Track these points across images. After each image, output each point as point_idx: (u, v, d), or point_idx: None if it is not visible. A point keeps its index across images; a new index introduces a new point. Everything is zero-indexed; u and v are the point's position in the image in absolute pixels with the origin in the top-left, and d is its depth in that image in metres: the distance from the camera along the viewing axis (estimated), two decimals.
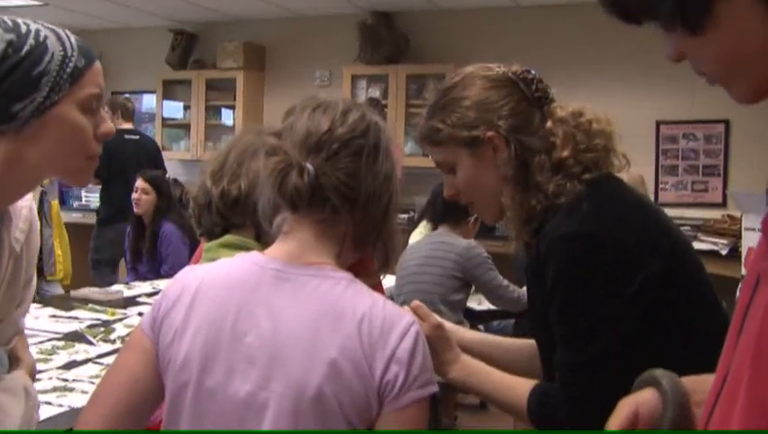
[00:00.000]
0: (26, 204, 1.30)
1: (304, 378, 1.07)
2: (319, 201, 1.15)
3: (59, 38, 1.16)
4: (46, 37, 1.14)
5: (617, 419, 0.93)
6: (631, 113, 6.08)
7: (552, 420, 1.34)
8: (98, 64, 1.21)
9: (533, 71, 1.46)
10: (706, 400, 0.76)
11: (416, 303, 1.44)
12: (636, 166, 5.52)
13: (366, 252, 1.25)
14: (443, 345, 1.43)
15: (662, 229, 1.35)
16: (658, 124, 6.02)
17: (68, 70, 1.14)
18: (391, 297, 4.03)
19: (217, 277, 1.19)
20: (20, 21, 1.16)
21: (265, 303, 1.13)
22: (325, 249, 1.18)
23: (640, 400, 0.94)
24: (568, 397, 1.29)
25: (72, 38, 1.19)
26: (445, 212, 3.78)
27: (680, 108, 5.91)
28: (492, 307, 4.00)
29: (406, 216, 6.53)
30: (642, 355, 1.16)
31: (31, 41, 1.12)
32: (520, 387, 1.38)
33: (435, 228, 3.92)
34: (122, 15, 7.37)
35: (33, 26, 1.15)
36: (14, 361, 1.32)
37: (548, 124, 1.39)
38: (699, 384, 0.91)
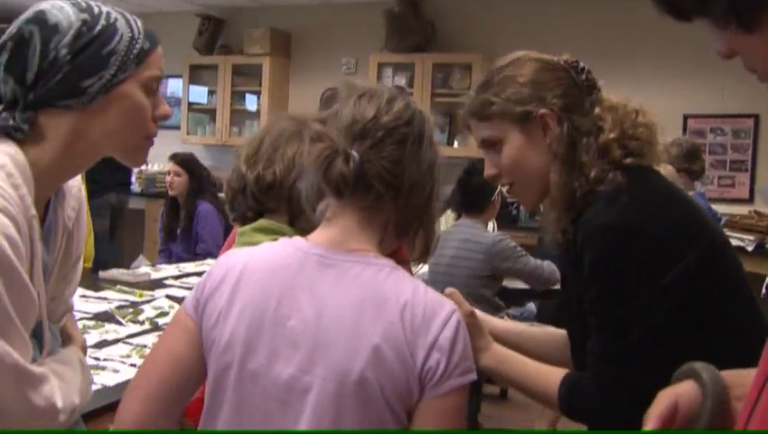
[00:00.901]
0: (76, 184, 1.33)
1: (348, 362, 1.08)
2: (363, 188, 1.16)
3: (127, 21, 1.22)
4: (116, 19, 1.20)
5: (657, 409, 0.93)
6: (658, 106, 5.96)
7: (583, 410, 1.35)
8: (159, 48, 1.26)
9: (581, 63, 1.47)
10: (746, 395, 0.76)
11: (450, 290, 1.46)
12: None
13: (404, 240, 1.26)
14: (475, 333, 1.44)
15: (700, 223, 1.36)
16: (685, 118, 5.97)
17: (134, 51, 1.20)
18: None
19: (260, 260, 1.20)
20: (92, 2, 1.21)
21: (308, 287, 1.14)
22: (368, 235, 1.19)
23: (679, 392, 0.94)
24: (601, 387, 1.30)
25: (138, 22, 1.24)
26: (469, 204, 3.79)
27: (709, 101, 5.86)
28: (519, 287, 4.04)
29: None
30: (676, 347, 1.16)
31: (102, 21, 1.18)
32: (552, 376, 1.39)
33: (458, 216, 3.93)
34: (150, 0, 7.41)
35: (105, 8, 1.21)
36: (65, 338, 1.35)
37: (597, 110, 1.40)
38: (739, 378, 0.91)
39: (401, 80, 6.63)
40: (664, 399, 0.94)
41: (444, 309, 1.12)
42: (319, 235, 1.22)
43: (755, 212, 5.40)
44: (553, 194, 1.39)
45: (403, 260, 1.28)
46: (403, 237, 1.24)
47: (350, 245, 1.18)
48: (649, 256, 1.27)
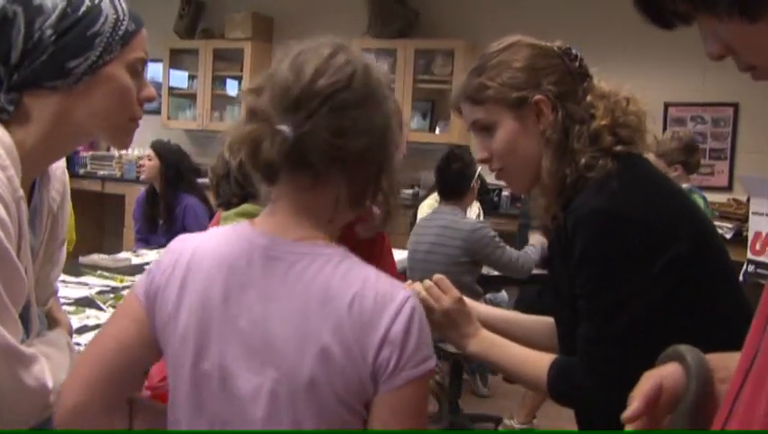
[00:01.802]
0: (61, 166, 1.32)
1: (297, 365, 1.04)
2: (303, 166, 1.07)
3: (111, 2, 1.20)
4: (101, 0, 1.18)
5: (642, 389, 0.94)
6: (639, 94, 6.06)
7: (572, 394, 1.36)
8: (144, 30, 1.25)
9: (574, 50, 1.48)
10: (731, 378, 0.77)
11: (438, 276, 1.46)
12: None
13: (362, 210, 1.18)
14: (463, 319, 1.45)
15: (689, 210, 1.37)
16: (666, 106, 6.00)
17: (119, 32, 1.19)
18: (404, 272, 4.08)
19: (207, 252, 1.13)
20: None
21: (256, 285, 1.08)
22: (317, 217, 1.11)
23: (664, 373, 0.95)
24: (590, 370, 1.31)
25: (123, 3, 1.22)
26: (448, 190, 3.80)
27: (690, 90, 5.89)
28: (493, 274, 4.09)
29: (410, 191, 6.55)
30: (664, 333, 1.17)
31: (87, 2, 1.17)
32: (540, 361, 1.40)
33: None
34: None
35: None
36: (51, 321, 1.34)
37: (589, 97, 1.41)
38: (723, 361, 0.92)
39: (383, 66, 6.59)
40: (649, 379, 0.95)
41: (395, 300, 1.05)
42: (266, 221, 1.14)
43: (734, 199, 5.46)
44: (544, 181, 1.39)
45: (367, 228, 1.21)
46: (360, 208, 1.15)
47: (297, 232, 1.10)
48: (639, 242, 1.28)
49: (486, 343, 1.45)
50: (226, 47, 7.27)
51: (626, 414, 0.92)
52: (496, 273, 4.07)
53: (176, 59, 7.60)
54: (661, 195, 1.36)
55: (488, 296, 4.67)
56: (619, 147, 1.36)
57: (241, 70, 7.21)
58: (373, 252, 2.07)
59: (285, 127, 1.05)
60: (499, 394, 4.56)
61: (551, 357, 1.39)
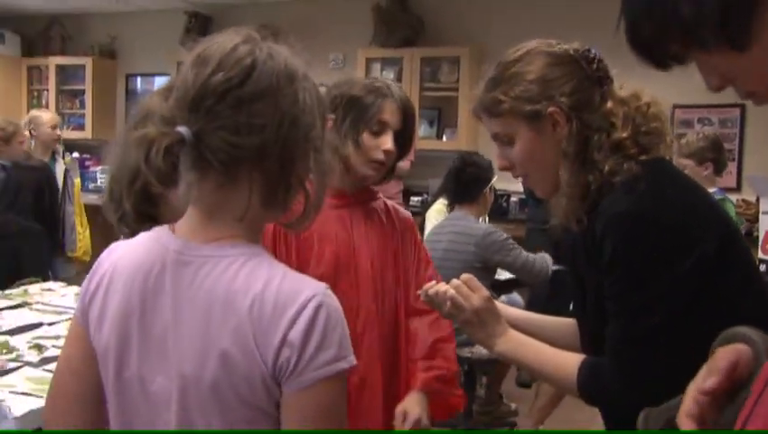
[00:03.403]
0: None
1: (200, 370, 1.03)
2: (207, 165, 1.04)
3: None
4: None
5: (720, 364, 0.85)
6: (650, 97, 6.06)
7: (601, 394, 1.36)
8: None
9: (593, 50, 1.47)
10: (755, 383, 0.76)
11: (466, 276, 1.48)
12: None
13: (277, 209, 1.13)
14: (492, 318, 1.46)
15: (714, 211, 1.38)
16: (674, 108, 6.00)
17: None
18: None
19: (128, 260, 1.12)
20: None
21: (168, 291, 1.07)
22: (229, 217, 1.07)
23: (741, 349, 0.87)
24: (618, 371, 1.31)
25: None
26: (461, 193, 3.81)
27: (696, 92, 5.86)
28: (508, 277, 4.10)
29: (419, 198, 6.56)
30: (690, 334, 1.17)
31: None
32: (569, 360, 1.40)
33: (451, 208, 3.95)
34: None
35: None
36: None
37: (609, 104, 1.39)
38: None
39: (390, 75, 6.63)
40: (726, 356, 0.87)
41: (296, 300, 1.01)
42: (182, 223, 1.12)
43: (743, 200, 5.44)
44: (565, 191, 1.38)
45: (296, 219, 1.14)
46: (274, 205, 1.09)
47: (209, 233, 1.07)
48: (667, 243, 1.28)
49: (514, 342, 1.45)
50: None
51: (707, 385, 0.83)
52: (508, 276, 4.08)
53: None
54: (687, 197, 1.35)
55: (502, 298, 4.68)
56: (643, 157, 1.35)
57: None
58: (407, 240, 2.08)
59: (183, 129, 1.03)
60: (514, 399, 4.56)
61: (580, 357, 1.39)
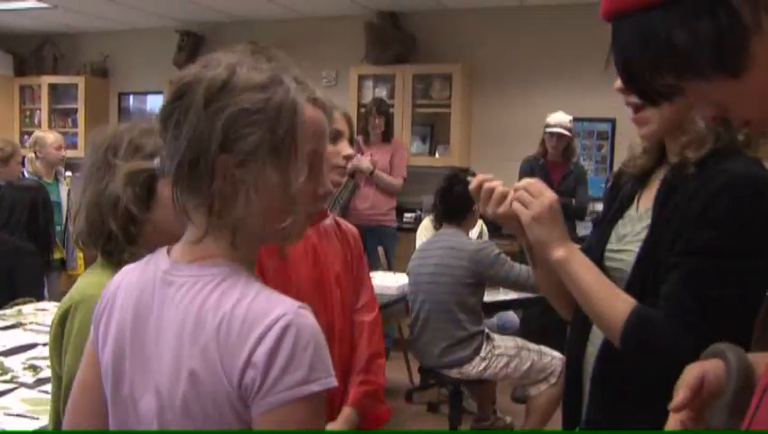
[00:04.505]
0: None
1: (173, 389, 1.03)
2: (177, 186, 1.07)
3: None
4: None
5: (686, 381, 0.95)
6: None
7: (648, 345, 1.31)
8: None
9: None
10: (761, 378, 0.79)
11: (527, 181, 1.44)
12: None
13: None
14: (562, 219, 1.40)
15: None
16: None
17: None
18: (404, 295, 4.10)
19: (128, 281, 1.15)
20: None
21: (154, 311, 1.08)
22: (196, 234, 1.07)
23: (707, 367, 0.97)
24: (684, 328, 1.25)
25: None
26: (450, 213, 3.83)
27: None
28: (502, 298, 4.12)
29: (412, 215, 6.58)
30: (748, 318, 1.15)
31: None
32: (622, 298, 1.32)
33: (439, 226, 3.98)
34: (129, 17, 7.41)
35: None
36: None
37: None
38: (764, 358, 0.94)
39: (382, 92, 6.67)
40: (693, 371, 0.96)
41: (264, 321, 0.99)
42: (177, 244, 1.13)
43: None
44: (701, 133, 1.33)
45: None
46: (229, 227, 1.06)
47: (194, 253, 1.08)
48: None
49: (577, 254, 1.39)
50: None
51: (673, 404, 0.94)
52: (501, 298, 4.09)
53: None
54: None
55: (494, 318, 4.69)
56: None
57: None
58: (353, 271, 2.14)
59: (157, 159, 1.09)
60: (509, 413, 4.55)
61: (633, 301, 1.32)
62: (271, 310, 1.00)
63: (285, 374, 0.97)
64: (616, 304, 1.32)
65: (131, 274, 1.16)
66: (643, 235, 1.42)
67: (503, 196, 1.51)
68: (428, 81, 6.66)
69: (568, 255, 1.38)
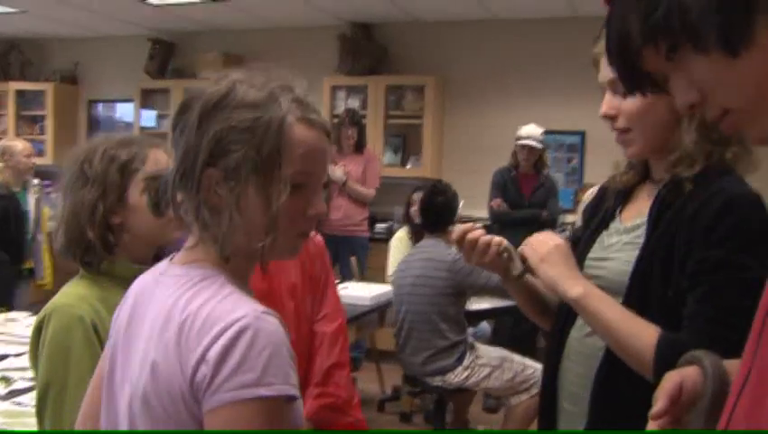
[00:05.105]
0: None
1: (138, 380, 1.07)
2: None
3: None
4: None
5: (664, 389, 0.99)
6: (607, 124, 6.19)
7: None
8: None
9: None
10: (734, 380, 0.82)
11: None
12: (605, 177, 5.55)
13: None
14: (572, 255, 1.42)
15: None
16: None
17: None
18: (385, 306, 4.13)
19: (137, 283, 1.21)
20: None
21: (144, 309, 1.14)
22: (191, 240, 1.14)
23: (684, 374, 1.00)
24: (713, 340, 1.22)
25: None
26: (433, 223, 3.86)
27: None
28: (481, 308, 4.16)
29: (385, 225, 6.60)
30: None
31: None
32: (649, 330, 1.31)
33: (413, 237, 3.99)
34: (100, 24, 7.36)
35: None
36: None
37: None
38: (734, 364, 0.97)
39: (355, 103, 6.70)
40: (671, 380, 1.00)
41: (223, 320, 1.00)
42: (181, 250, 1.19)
43: None
44: (690, 151, 1.37)
45: None
46: (215, 237, 1.08)
47: (187, 257, 1.13)
48: None
49: (594, 290, 1.38)
50: (198, 86, 7.27)
51: (652, 412, 0.97)
52: (476, 308, 4.12)
53: (148, 99, 7.63)
54: None
55: (470, 329, 4.72)
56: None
57: None
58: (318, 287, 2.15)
59: (171, 167, 1.14)
60: (481, 424, 4.58)
61: (656, 329, 1.31)
62: (233, 311, 1.01)
63: (235, 374, 0.98)
64: (641, 336, 1.31)
65: (143, 276, 1.21)
66: (629, 246, 1.46)
67: (487, 245, 1.54)
68: (401, 93, 6.71)
69: (585, 292, 1.37)
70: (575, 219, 5.64)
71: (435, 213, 3.81)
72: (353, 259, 5.53)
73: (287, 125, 1.08)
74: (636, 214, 1.50)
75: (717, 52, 0.73)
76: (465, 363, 3.71)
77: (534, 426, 3.84)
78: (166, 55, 7.57)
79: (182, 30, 7.44)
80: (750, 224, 1.31)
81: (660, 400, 0.99)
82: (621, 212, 1.56)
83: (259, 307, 1.04)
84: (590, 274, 1.52)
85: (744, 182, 1.37)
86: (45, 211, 5.13)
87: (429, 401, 4.81)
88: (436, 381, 3.74)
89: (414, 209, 4.46)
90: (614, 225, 1.55)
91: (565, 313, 1.53)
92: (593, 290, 1.38)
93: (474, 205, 5.58)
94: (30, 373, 2.35)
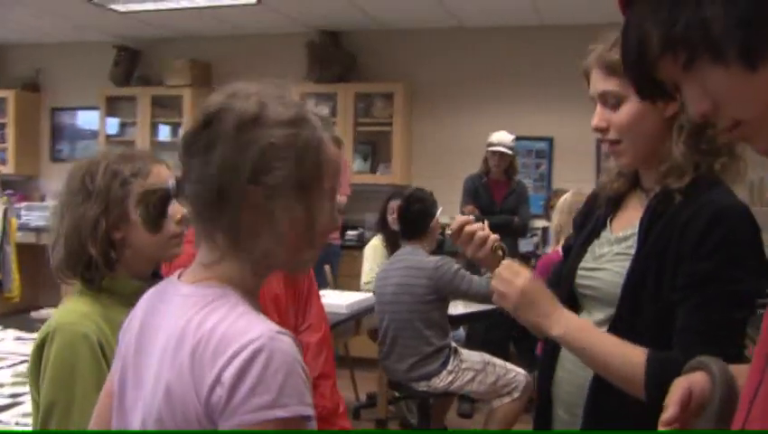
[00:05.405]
0: None
1: (151, 401, 1.06)
2: (191, 213, 1.12)
3: None
4: None
5: (675, 395, 1.01)
6: (574, 130, 6.30)
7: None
8: None
9: None
10: (743, 392, 0.84)
11: (506, 262, 1.47)
12: (578, 182, 5.65)
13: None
14: (541, 297, 1.42)
15: None
16: (599, 141, 6.22)
17: None
18: (364, 312, 4.15)
19: (144, 300, 1.20)
20: None
21: (155, 327, 1.12)
22: (204, 258, 1.11)
23: (693, 380, 1.03)
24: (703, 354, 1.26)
25: None
26: (410, 231, 3.89)
27: None
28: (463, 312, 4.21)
29: (356, 232, 6.60)
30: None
31: None
32: (636, 352, 1.32)
33: (388, 244, 4.01)
34: (63, 30, 7.24)
35: None
36: None
37: None
38: (741, 370, 0.99)
39: (324, 110, 6.65)
40: (680, 386, 1.02)
41: (238, 341, 0.99)
42: (190, 266, 1.17)
43: None
44: (677, 161, 1.40)
45: None
46: (247, 254, 1.09)
47: (194, 274, 1.12)
48: (762, 248, 1.35)
49: (573, 324, 1.39)
50: (165, 94, 7.24)
51: (663, 418, 1.00)
52: (451, 313, 4.14)
53: (113, 106, 7.53)
54: None
55: (452, 333, 4.76)
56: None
57: (181, 117, 7.18)
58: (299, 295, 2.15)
59: (171, 182, 1.11)
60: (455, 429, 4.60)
61: (643, 350, 1.33)
62: (247, 332, 1.01)
63: (251, 396, 0.97)
64: (630, 358, 1.32)
65: (150, 293, 1.20)
66: (620, 256, 1.49)
67: (484, 240, 1.55)
68: (370, 100, 6.73)
69: (565, 330, 1.39)
70: (545, 224, 5.71)
71: (413, 221, 3.84)
72: (327, 268, 5.52)
73: (324, 143, 1.10)
74: (626, 224, 1.53)
75: (737, 66, 0.74)
76: (450, 367, 3.74)
77: (517, 429, 3.89)
78: (132, 62, 7.48)
79: (149, 36, 7.36)
80: (738, 236, 1.34)
81: (670, 407, 1.01)
82: (611, 220, 1.59)
83: (273, 327, 1.04)
84: (583, 284, 1.55)
85: (732, 193, 1.40)
86: (13, 221, 5.03)
87: (404, 409, 4.83)
88: (422, 386, 3.77)
89: (392, 216, 4.48)
90: (605, 234, 1.57)
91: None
92: (570, 323, 1.39)
93: (444, 211, 5.60)
94: (7, 390, 2.31)
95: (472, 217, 1.58)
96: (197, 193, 1.08)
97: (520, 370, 3.87)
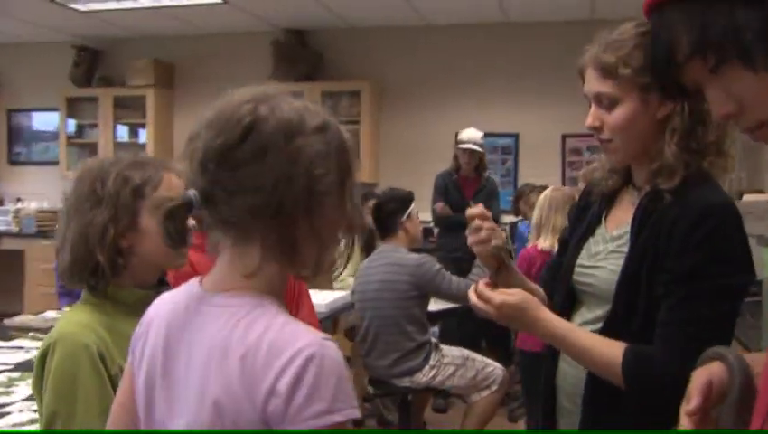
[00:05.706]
0: None
1: (198, 417, 1.06)
2: (217, 223, 1.09)
3: None
4: None
5: (696, 386, 1.03)
6: (539, 126, 6.41)
7: (651, 379, 1.39)
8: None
9: None
10: (761, 380, 0.88)
11: (481, 282, 1.54)
12: (544, 177, 5.74)
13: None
14: (516, 312, 1.47)
15: None
16: (564, 137, 6.35)
17: None
18: (343, 309, 4.16)
19: (163, 309, 1.18)
20: None
21: (185, 339, 1.11)
22: (242, 269, 1.09)
23: (712, 370, 1.04)
24: (679, 356, 1.30)
25: None
26: (382, 229, 3.93)
27: (584, 122, 6.25)
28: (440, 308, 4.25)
29: None
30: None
31: None
32: (612, 344, 1.42)
33: (367, 242, 4.04)
34: (21, 30, 7.09)
35: None
36: None
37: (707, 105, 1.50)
38: (754, 358, 1.03)
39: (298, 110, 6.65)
40: (701, 376, 1.04)
41: (288, 350, 1.00)
42: (209, 274, 1.15)
43: None
44: (669, 162, 1.44)
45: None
46: (286, 263, 1.10)
47: (225, 284, 1.11)
48: (747, 245, 1.41)
49: (551, 331, 1.47)
50: (128, 94, 7.15)
51: (687, 409, 1.01)
52: (429, 309, 4.19)
53: (73, 107, 7.40)
54: None
55: (432, 329, 4.81)
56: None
57: (144, 117, 7.10)
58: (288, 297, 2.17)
59: (192, 192, 1.08)
60: (430, 423, 4.64)
61: (621, 343, 1.41)
62: (295, 341, 1.01)
63: (308, 404, 0.99)
64: (611, 349, 1.41)
65: (165, 301, 1.19)
66: (615, 254, 1.53)
67: (488, 239, 1.57)
68: (337, 99, 6.73)
69: (551, 338, 1.48)
70: (512, 219, 5.79)
71: (384, 220, 3.91)
72: None
73: (350, 146, 1.14)
74: (620, 222, 1.58)
75: (765, 71, 0.78)
76: (432, 362, 3.79)
77: (493, 421, 3.95)
78: (93, 62, 7.36)
79: (111, 36, 7.25)
80: (725, 232, 1.38)
81: (693, 398, 1.02)
82: (606, 217, 1.63)
83: (319, 334, 1.05)
84: (581, 281, 1.60)
85: (720, 190, 1.46)
86: None
87: (380, 406, 4.85)
88: (405, 382, 3.80)
89: (367, 216, 4.51)
90: (600, 232, 1.62)
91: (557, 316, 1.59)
92: (554, 331, 1.47)
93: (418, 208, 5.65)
94: None
95: (488, 213, 1.61)
96: (247, 205, 1.05)
97: (497, 364, 3.94)
